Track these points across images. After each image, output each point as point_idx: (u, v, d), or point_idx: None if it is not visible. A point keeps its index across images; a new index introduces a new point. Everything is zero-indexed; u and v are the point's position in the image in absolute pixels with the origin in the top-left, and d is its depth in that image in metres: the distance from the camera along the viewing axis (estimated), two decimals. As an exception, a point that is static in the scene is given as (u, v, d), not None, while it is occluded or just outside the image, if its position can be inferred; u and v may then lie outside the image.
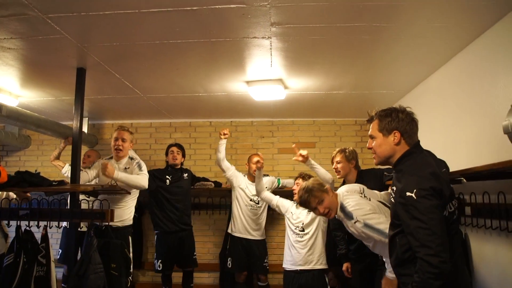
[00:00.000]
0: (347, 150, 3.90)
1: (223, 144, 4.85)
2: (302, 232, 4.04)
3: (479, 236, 2.97)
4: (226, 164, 4.94)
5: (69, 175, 4.54)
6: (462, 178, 2.96)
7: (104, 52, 3.39)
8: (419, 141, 2.38)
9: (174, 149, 5.08)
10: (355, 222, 2.75)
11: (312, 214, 3.95)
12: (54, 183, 3.39)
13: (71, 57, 3.49)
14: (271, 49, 3.32)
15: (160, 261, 4.93)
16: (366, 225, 2.70)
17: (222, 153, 4.86)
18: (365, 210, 2.76)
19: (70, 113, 5.30)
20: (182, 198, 5.04)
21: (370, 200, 2.87)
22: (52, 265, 3.57)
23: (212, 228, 5.84)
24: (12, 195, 4.00)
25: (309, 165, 3.92)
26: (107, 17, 2.73)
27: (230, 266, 4.99)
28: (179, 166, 5.10)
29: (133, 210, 4.25)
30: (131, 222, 4.19)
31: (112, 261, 3.50)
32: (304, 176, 4.15)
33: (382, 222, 2.64)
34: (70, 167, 5.00)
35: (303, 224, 4.05)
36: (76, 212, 3.51)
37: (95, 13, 2.70)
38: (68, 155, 5.29)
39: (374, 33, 3.04)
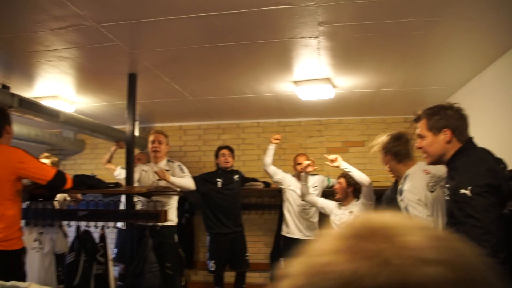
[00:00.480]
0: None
1: (272, 149, 4.89)
2: None
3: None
4: (272, 169, 4.97)
5: (121, 177, 4.73)
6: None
7: (154, 58, 3.49)
8: (471, 137, 2.30)
9: (226, 151, 5.13)
10: (400, 200, 2.69)
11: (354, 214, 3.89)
12: (110, 185, 3.51)
13: (123, 64, 3.62)
14: (318, 48, 3.30)
15: (213, 261, 5.01)
16: (406, 209, 2.64)
17: (270, 158, 4.90)
18: (414, 197, 2.67)
19: (121, 117, 5.49)
20: (233, 200, 5.09)
21: (433, 192, 2.77)
22: (110, 263, 3.72)
23: (263, 228, 5.87)
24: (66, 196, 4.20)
25: (343, 167, 3.86)
26: (157, 23, 2.81)
27: (283, 267, 4.96)
28: (230, 169, 5.17)
29: (176, 211, 4.38)
30: (174, 223, 4.29)
31: (166, 260, 3.61)
32: (346, 175, 4.07)
33: (420, 217, 2.56)
34: (121, 170, 5.21)
35: None
36: (132, 213, 3.63)
37: (145, 20, 2.78)
38: (119, 158, 5.52)
39: (425, 28, 2.94)
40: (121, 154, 5.59)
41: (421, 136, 2.37)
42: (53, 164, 4.44)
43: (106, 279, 3.67)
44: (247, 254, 5.12)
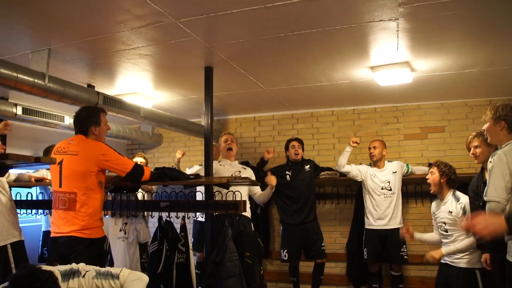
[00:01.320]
0: (485, 133, 3.57)
1: (349, 151, 4.94)
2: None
3: None
4: (346, 168, 4.99)
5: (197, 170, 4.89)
6: None
7: (230, 50, 3.52)
8: None
9: (295, 143, 5.14)
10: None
11: None
12: (191, 177, 3.61)
13: (199, 57, 3.68)
14: (397, 31, 3.16)
15: (285, 251, 5.05)
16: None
17: (345, 160, 4.96)
18: (496, 177, 2.60)
19: (197, 110, 5.65)
20: (304, 191, 5.09)
21: None
22: (191, 252, 3.84)
23: (338, 217, 5.78)
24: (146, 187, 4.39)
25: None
26: (234, 15, 2.82)
27: (366, 257, 4.98)
28: (300, 160, 5.15)
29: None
30: (249, 213, 4.40)
31: (246, 249, 3.64)
32: (440, 165, 3.88)
33: None
34: (197, 167, 5.34)
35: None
36: (211, 204, 3.70)
37: (222, 13, 2.80)
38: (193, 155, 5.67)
39: (513, 0, 2.73)
40: (194, 150, 5.79)
41: None
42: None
43: (187, 267, 3.79)
44: (323, 244, 5.09)
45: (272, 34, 3.19)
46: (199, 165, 5.43)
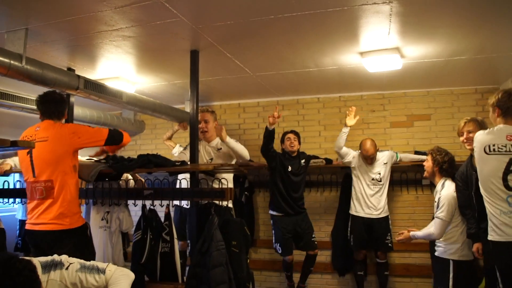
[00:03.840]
0: (478, 119, 3.56)
1: (346, 132, 4.84)
2: None
3: None
4: (344, 150, 4.93)
5: (177, 155, 4.77)
6: None
7: (217, 32, 3.39)
8: None
9: (291, 136, 5.05)
10: None
11: None
12: (177, 163, 3.50)
13: (185, 40, 3.55)
14: (390, 15, 3.08)
15: (279, 244, 5.00)
16: None
17: (343, 141, 4.87)
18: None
19: (181, 96, 5.52)
20: (300, 186, 5.04)
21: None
22: (175, 241, 3.75)
23: (323, 206, 5.75)
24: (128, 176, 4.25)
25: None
26: (223, -5, 2.71)
27: (352, 244, 5.00)
28: (296, 153, 5.07)
29: None
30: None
31: (232, 238, 3.58)
32: (433, 153, 3.87)
33: None
34: (180, 148, 5.25)
35: None
36: (197, 191, 3.60)
37: (211, -8, 2.69)
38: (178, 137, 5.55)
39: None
40: (177, 137, 5.66)
41: None
42: None
43: (172, 257, 3.72)
44: (314, 236, 5.06)
45: (263, 16, 3.08)
46: (179, 145, 5.32)
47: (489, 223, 2.86)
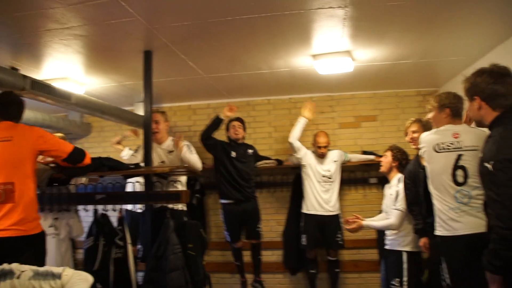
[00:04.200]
0: (422, 120, 3.74)
1: (303, 123, 4.96)
2: None
3: None
4: (298, 144, 5.01)
5: (127, 158, 4.65)
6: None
7: (173, 33, 3.35)
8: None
9: (236, 123, 5.06)
10: None
11: None
12: (131, 166, 3.42)
13: (139, 40, 3.48)
14: (344, 19, 3.17)
15: (228, 233, 5.00)
16: None
17: (299, 132, 4.97)
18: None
19: (130, 98, 5.39)
20: (245, 173, 5.03)
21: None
22: (129, 246, 3.64)
23: (275, 206, 5.80)
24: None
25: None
26: (181, -5, 2.68)
27: (305, 243, 5.04)
28: (241, 141, 5.09)
29: None
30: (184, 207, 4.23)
31: (188, 241, 3.55)
32: (394, 150, 4.03)
33: None
34: (129, 151, 5.13)
35: None
36: (152, 194, 3.54)
37: (168, -8, 2.65)
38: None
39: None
40: (127, 140, 5.50)
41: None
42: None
43: (125, 262, 3.60)
44: (259, 226, 5.10)
45: (220, 17, 3.08)
46: (129, 148, 5.20)
47: (437, 219, 3.00)
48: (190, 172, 4.05)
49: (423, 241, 3.66)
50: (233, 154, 4.97)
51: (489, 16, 3.24)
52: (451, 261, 2.94)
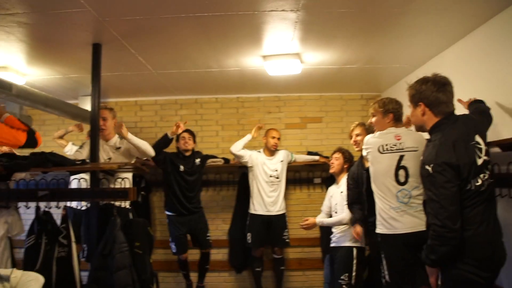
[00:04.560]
0: (366, 124, 3.90)
1: (249, 139, 5.09)
2: None
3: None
4: (241, 152, 5.06)
5: (71, 154, 4.50)
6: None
7: (124, 27, 3.28)
8: (449, 110, 2.47)
9: (186, 135, 5.01)
10: None
11: None
12: (77, 162, 3.31)
13: (88, 32, 3.37)
14: (296, 22, 3.25)
15: (174, 243, 4.95)
16: None
17: (242, 145, 5.06)
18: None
19: (74, 91, 5.22)
20: (194, 186, 5.03)
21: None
22: (73, 245, 3.52)
23: (221, 204, 5.82)
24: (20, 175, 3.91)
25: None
26: (135, -11, 2.64)
27: (250, 242, 5.08)
28: (190, 152, 5.06)
29: None
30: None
31: (135, 239, 3.49)
32: (345, 152, 4.17)
33: None
34: (73, 146, 4.96)
35: None
36: (98, 191, 3.45)
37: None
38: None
39: (403, 6, 2.98)
40: (70, 135, 5.32)
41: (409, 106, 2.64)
42: None
43: (69, 262, 3.47)
44: (209, 235, 5.10)
45: (173, 14, 3.06)
46: (72, 143, 5.03)
47: (378, 217, 3.15)
48: (138, 169, 3.98)
49: (358, 228, 3.77)
50: (181, 168, 4.93)
51: (428, 28, 3.45)
52: (390, 258, 3.11)
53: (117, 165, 3.41)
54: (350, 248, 3.93)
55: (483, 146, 2.36)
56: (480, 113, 2.86)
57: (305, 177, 5.77)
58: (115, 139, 4.18)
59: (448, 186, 2.21)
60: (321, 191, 5.62)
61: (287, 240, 5.09)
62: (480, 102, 3.03)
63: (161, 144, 4.69)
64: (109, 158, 4.13)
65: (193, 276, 5.25)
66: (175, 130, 4.61)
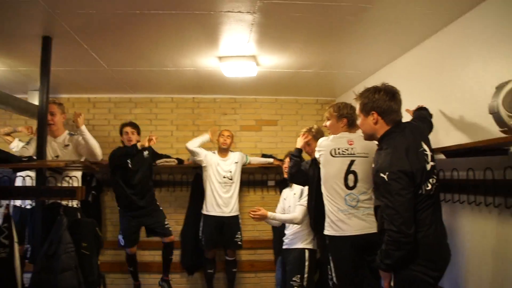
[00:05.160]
0: (313, 129, 3.96)
1: (206, 140, 5.13)
2: None
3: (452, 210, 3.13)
4: (197, 150, 5.06)
5: (17, 150, 4.33)
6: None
7: (77, 20, 3.16)
8: (398, 119, 2.55)
9: (128, 129, 4.92)
10: None
11: None
12: (24, 159, 3.19)
13: (39, 24, 3.25)
14: (252, 24, 3.26)
15: (122, 236, 4.85)
16: None
17: (198, 143, 5.09)
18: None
19: (23, 85, 5.02)
20: (144, 180, 4.93)
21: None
22: (16, 246, 3.37)
23: (174, 205, 5.76)
24: None
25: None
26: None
27: (203, 243, 5.08)
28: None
29: None
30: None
31: (83, 240, 3.40)
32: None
33: None
34: (19, 142, 4.77)
35: None
36: (45, 190, 3.33)
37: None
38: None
39: (357, 14, 3.05)
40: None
41: (358, 115, 2.66)
42: None
43: (11, 263, 3.32)
44: (167, 223, 5.00)
45: (127, 9, 2.98)
46: (19, 139, 4.84)
47: (327, 219, 3.22)
48: (87, 167, 3.88)
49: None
50: (129, 164, 4.83)
51: (380, 38, 3.55)
52: (337, 260, 3.18)
53: (65, 162, 3.30)
54: (302, 250, 3.97)
55: (429, 152, 2.46)
56: (421, 119, 2.97)
57: (259, 179, 5.80)
58: (64, 136, 4.07)
59: (403, 193, 2.27)
60: (275, 194, 5.66)
61: (239, 243, 5.10)
62: (423, 109, 3.14)
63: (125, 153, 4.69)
64: (57, 156, 4.01)
65: (142, 278, 5.18)
66: (145, 143, 4.59)
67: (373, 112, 2.52)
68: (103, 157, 4.37)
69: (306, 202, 3.86)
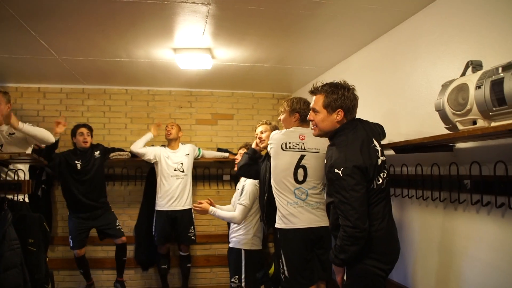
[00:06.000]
0: (271, 122, 3.97)
1: (150, 137, 5.07)
2: None
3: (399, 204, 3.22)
4: (142, 150, 4.99)
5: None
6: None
7: (23, 5, 3.01)
8: (355, 116, 2.59)
9: (84, 130, 4.79)
10: None
11: None
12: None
13: (-22, 8, 3.08)
14: (207, 16, 3.22)
15: (71, 237, 4.73)
16: None
17: (143, 143, 5.03)
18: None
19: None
20: (94, 181, 4.83)
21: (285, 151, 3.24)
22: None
23: (127, 200, 5.64)
24: None
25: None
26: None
27: (156, 239, 5.02)
28: (89, 148, 4.86)
29: None
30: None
31: (29, 236, 3.28)
32: (249, 147, 4.18)
33: None
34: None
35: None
36: (-13, 183, 3.19)
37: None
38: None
39: (312, 9, 3.06)
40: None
41: (314, 110, 2.56)
42: None
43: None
44: (118, 224, 4.93)
45: (80, -4, 2.89)
46: None
47: (278, 213, 3.24)
48: (35, 160, 3.72)
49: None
50: (79, 166, 4.72)
51: (335, 33, 3.59)
52: (288, 253, 3.20)
53: (9, 155, 3.16)
54: (239, 250, 3.98)
55: (379, 148, 2.51)
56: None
57: (214, 173, 5.78)
58: (7, 126, 3.88)
59: (358, 188, 2.30)
60: (230, 188, 5.67)
61: (193, 237, 5.05)
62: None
63: (49, 148, 4.33)
64: (1, 145, 3.83)
65: (95, 275, 5.06)
66: (57, 129, 4.35)
67: (339, 110, 2.51)
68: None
69: (245, 200, 3.86)
